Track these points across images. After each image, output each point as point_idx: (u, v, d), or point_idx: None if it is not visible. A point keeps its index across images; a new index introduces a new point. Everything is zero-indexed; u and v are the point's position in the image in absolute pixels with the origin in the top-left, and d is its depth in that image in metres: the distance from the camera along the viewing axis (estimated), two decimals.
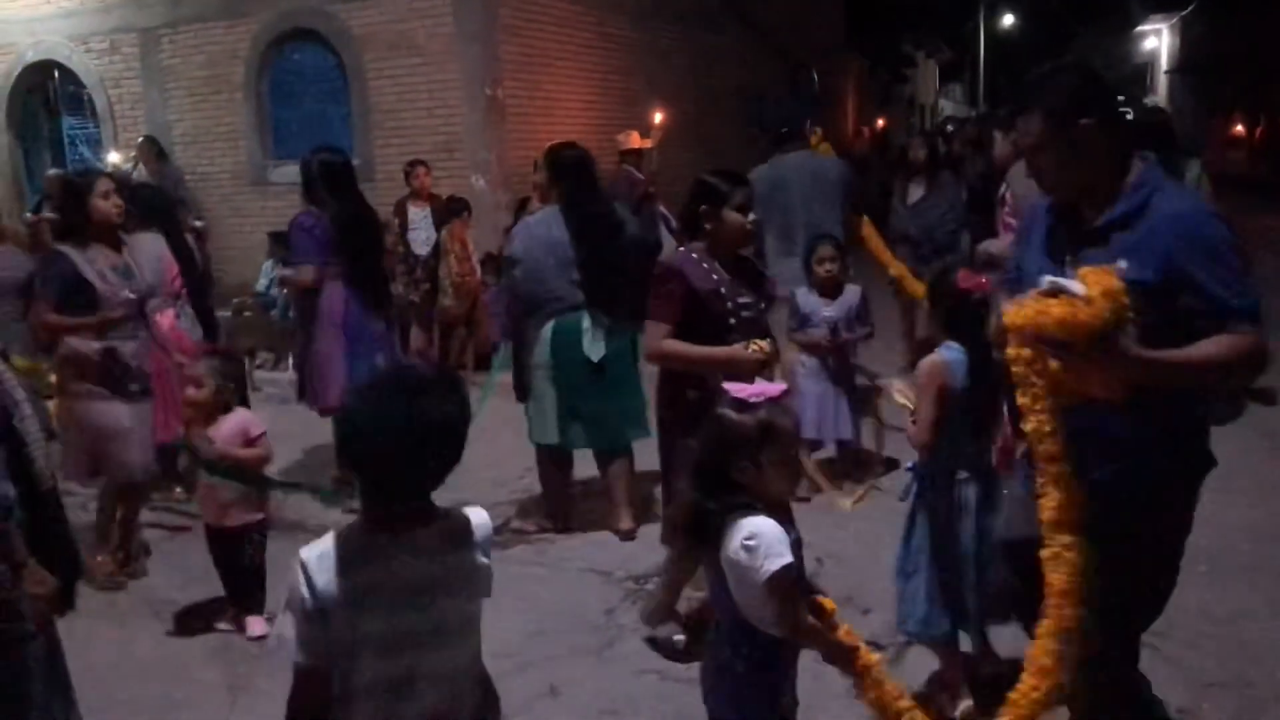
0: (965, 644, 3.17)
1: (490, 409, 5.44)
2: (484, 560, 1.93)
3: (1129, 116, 6.81)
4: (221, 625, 3.99)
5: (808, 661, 2.35)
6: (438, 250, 8.05)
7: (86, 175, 4.84)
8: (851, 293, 5.28)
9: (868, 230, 6.59)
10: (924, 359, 3.13)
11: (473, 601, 1.93)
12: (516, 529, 4.97)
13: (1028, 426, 2.24)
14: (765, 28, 14.98)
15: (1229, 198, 7.55)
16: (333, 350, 5.24)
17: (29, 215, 9.16)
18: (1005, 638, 3.26)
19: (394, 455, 1.81)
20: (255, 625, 3.92)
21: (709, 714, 2.27)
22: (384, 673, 1.82)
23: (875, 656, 2.36)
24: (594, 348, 4.65)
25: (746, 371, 3.16)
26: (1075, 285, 2.12)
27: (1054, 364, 2.17)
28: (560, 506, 4.97)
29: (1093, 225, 2.32)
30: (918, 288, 5.85)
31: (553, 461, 4.92)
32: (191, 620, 4.08)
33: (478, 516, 1.95)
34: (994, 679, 3.33)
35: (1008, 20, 38.43)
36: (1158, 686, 2.55)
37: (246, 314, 8.65)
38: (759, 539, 2.08)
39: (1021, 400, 2.22)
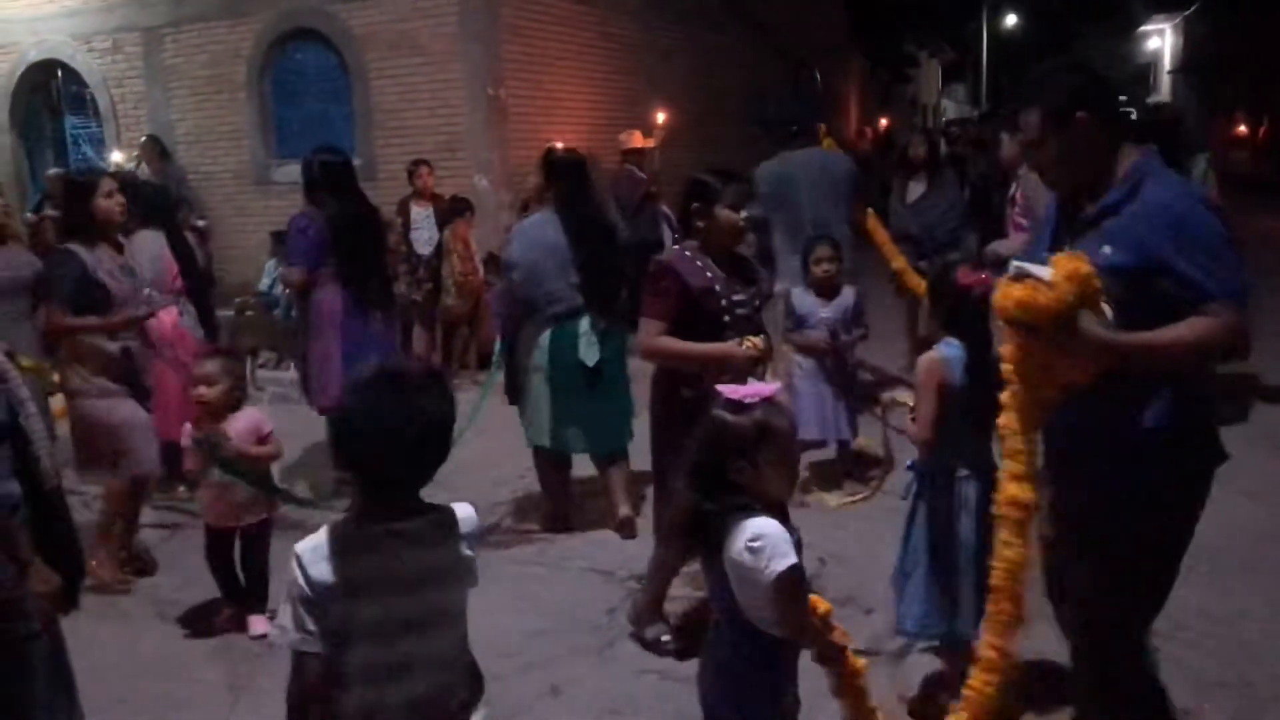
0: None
1: (491, 408, 5.45)
2: (469, 552, 2.01)
3: (1132, 115, 6.83)
4: (219, 625, 3.98)
5: (808, 661, 2.36)
6: (440, 250, 8.06)
7: (89, 174, 4.84)
8: (848, 294, 5.26)
9: (873, 223, 6.59)
10: (923, 356, 3.14)
11: (459, 591, 2.01)
12: (517, 528, 4.98)
13: (1000, 419, 2.34)
14: (767, 27, 14.99)
15: (1231, 198, 7.54)
16: (330, 350, 5.25)
17: (30, 215, 9.16)
18: None
19: (385, 454, 1.90)
20: (258, 624, 3.92)
21: (707, 713, 2.27)
22: (377, 659, 1.90)
23: (862, 661, 2.39)
24: (590, 352, 4.66)
25: (741, 368, 3.17)
26: (1042, 270, 2.17)
27: (1018, 344, 2.24)
28: (560, 506, 4.98)
29: (1088, 214, 2.37)
30: (918, 283, 5.85)
31: (550, 462, 4.93)
32: (194, 619, 4.08)
33: (463, 511, 2.03)
34: None
35: (1010, 20, 38.36)
36: None
37: (249, 313, 8.66)
38: (765, 540, 2.08)
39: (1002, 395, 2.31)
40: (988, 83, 36.57)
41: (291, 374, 7.25)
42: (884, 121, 23.30)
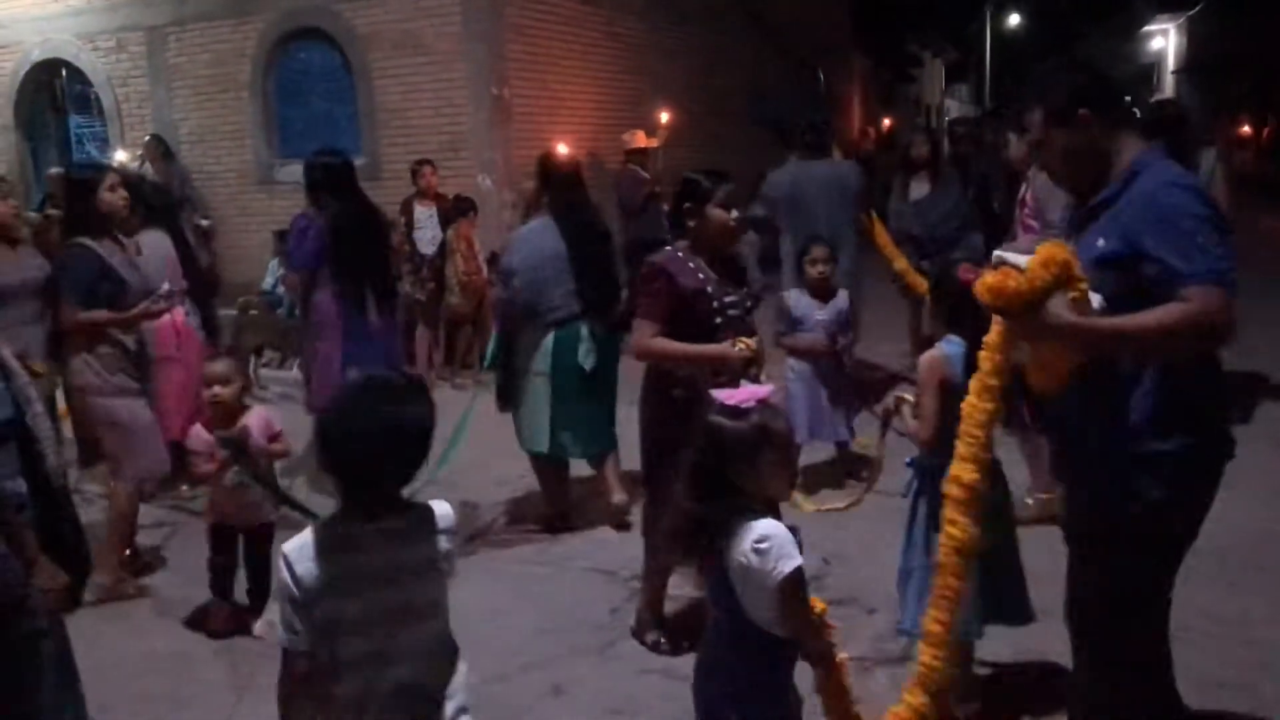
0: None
1: (490, 408, 5.44)
2: (447, 545, 2.12)
3: (1136, 113, 6.82)
4: (220, 631, 3.96)
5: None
6: (444, 249, 8.07)
7: (91, 170, 4.82)
8: (842, 297, 5.30)
9: (876, 226, 6.69)
10: (925, 354, 3.14)
11: (439, 583, 2.11)
12: (518, 528, 4.99)
13: (964, 404, 2.37)
14: (771, 27, 14.97)
15: (1235, 196, 7.52)
16: (329, 350, 5.26)
17: (33, 214, 9.16)
18: (1009, 637, 3.26)
19: (367, 458, 2.01)
20: (260, 624, 3.92)
21: (703, 713, 2.27)
22: (363, 648, 2.01)
23: (844, 655, 2.39)
24: (588, 357, 4.69)
25: (734, 369, 3.18)
26: (1020, 258, 2.20)
27: (998, 330, 2.28)
28: (561, 506, 4.99)
29: (1088, 208, 2.41)
30: (920, 283, 5.87)
31: (549, 466, 4.95)
32: (197, 618, 4.08)
33: (441, 508, 2.14)
34: (996, 678, 3.35)
35: (1013, 20, 38.32)
36: None
37: (252, 312, 8.66)
38: (771, 541, 2.08)
39: (972, 383, 2.36)
40: (991, 83, 36.53)
41: (295, 373, 7.26)
42: (887, 121, 23.29)
